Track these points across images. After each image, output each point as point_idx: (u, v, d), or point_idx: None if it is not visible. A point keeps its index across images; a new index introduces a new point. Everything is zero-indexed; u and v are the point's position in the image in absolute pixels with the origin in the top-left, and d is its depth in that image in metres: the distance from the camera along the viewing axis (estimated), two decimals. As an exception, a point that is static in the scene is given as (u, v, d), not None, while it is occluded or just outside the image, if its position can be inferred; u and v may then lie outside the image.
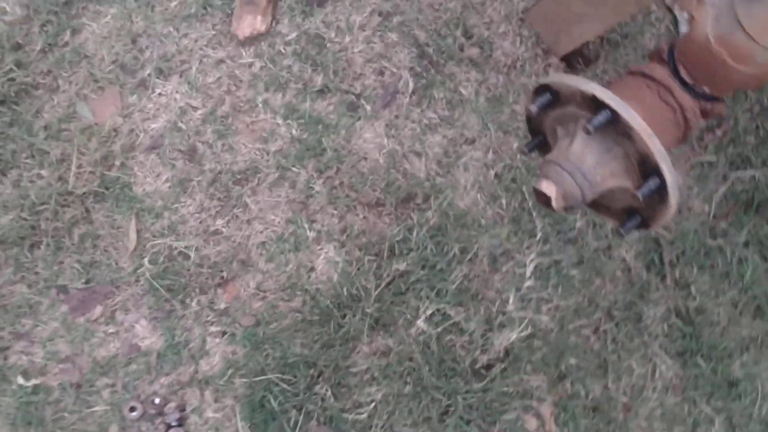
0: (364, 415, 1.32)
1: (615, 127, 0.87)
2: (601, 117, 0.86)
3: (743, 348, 1.50)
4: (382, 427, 1.33)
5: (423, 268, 1.44)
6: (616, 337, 1.49)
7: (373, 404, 1.33)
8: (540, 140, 1.03)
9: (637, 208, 0.95)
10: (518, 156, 1.56)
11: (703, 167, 1.65)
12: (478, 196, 1.55)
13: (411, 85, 1.64)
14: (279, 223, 1.49)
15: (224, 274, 1.42)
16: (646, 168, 0.88)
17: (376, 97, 1.62)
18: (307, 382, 1.32)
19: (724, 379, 1.47)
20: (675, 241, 1.56)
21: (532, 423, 1.39)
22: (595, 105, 0.87)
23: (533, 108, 0.95)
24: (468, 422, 1.35)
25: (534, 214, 1.54)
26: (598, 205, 0.99)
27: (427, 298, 1.42)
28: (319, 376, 1.34)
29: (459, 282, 1.45)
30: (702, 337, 1.50)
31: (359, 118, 1.59)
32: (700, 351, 1.49)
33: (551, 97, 0.94)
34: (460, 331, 1.41)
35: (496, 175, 1.58)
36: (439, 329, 1.40)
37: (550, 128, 0.99)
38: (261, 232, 1.48)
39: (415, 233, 1.48)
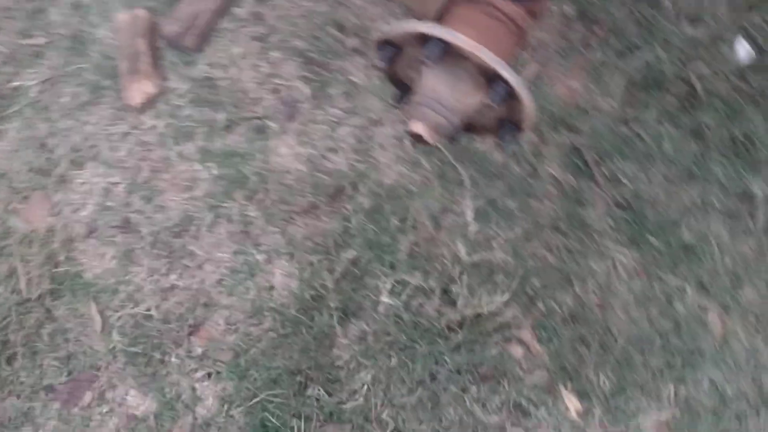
0: (361, 400, 1.37)
1: (450, 53, 0.94)
2: (432, 48, 0.93)
3: (687, 214, 1.56)
4: (381, 404, 1.38)
5: (370, 249, 1.50)
6: (568, 247, 1.55)
7: (365, 387, 1.38)
8: (403, 89, 1.10)
9: (506, 118, 1.02)
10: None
11: (597, 68, 1.72)
12: (401, 167, 1.61)
13: (307, 91, 1.71)
14: (228, 258, 1.55)
15: (192, 321, 1.48)
16: (492, 78, 0.95)
17: (279, 114, 1.69)
18: (297, 389, 1.37)
19: (680, 248, 1.53)
20: (593, 143, 1.63)
21: (517, 350, 1.45)
22: (427, 40, 0.95)
23: (380, 63, 1.02)
24: (458, 371, 1.40)
25: (457, 165, 1.61)
26: (474, 127, 1.06)
27: (383, 274, 1.47)
28: (306, 380, 1.39)
29: (408, 250, 1.51)
30: (646, 218, 1.56)
31: (270, 138, 1.66)
32: (649, 231, 1.55)
33: (393, 48, 1.01)
34: (424, 293, 1.47)
35: (411, 144, 1.64)
36: (404, 298, 1.46)
37: (406, 75, 1.06)
38: (214, 272, 1.53)
39: (353, 221, 1.54)
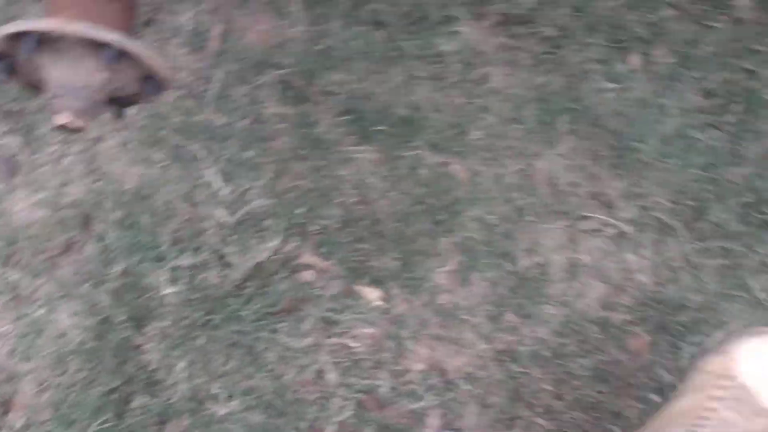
0: (185, 386, 1.42)
1: (50, 40, 0.98)
2: (26, 43, 0.96)
3: (397, 93, 1.70)
4: (206, 382, 1.42)
5: (134, 254, 1.53)
6: (315, 167, 1.65)
7: (185, 373, 1.43)
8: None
9: (147, 76, 1.08)
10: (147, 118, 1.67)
11: (274, 2, 1.81)
12: (136, 169, 1.64)
13: (17, 142, 1.69)
14: (11, 328, 1.52)
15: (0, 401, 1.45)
16: (98, 47, 1.00)
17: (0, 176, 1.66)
18: (121, 407, 1.39)
19: (403, 124, 1.68)
20: (297, 70, 1.73)
21: (307, 275, 1.53)
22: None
23: (3, 78, 1.05)
24: (260, 319, 1.48)
25: (185, 143, 1.66)
26: (122, 99, 1.11)
27: (156, 269, 1.51)
28: (127, 395, 1.41)
29: (171, 238, 1.55)
30: (366, 112, 1.69)
31: (1, 201, 1.63)
32: (373, 122, 1.68)
33: (5, 59, 1.03)
34: (201, 267, 1.52)
35: (138, 143, 1.67)
36: (185, 281, 1.50)
37: (36, 79, 1.09)
38: (2, 347, 1.50)
39: (109, 237, 1.56)
